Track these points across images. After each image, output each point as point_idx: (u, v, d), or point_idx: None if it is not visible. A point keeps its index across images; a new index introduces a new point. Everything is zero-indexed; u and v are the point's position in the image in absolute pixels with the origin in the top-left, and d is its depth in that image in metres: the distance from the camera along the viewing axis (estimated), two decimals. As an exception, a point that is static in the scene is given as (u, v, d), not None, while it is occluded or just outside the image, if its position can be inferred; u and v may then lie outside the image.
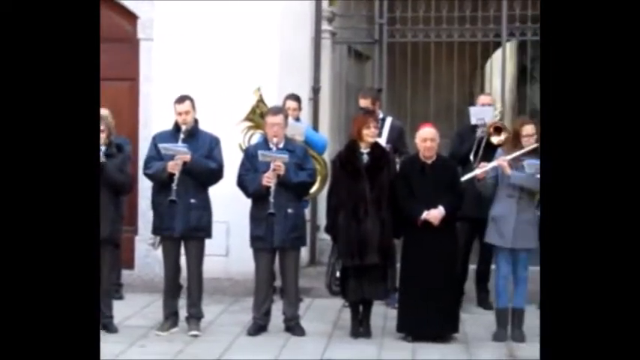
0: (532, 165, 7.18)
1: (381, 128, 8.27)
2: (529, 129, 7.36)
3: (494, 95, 11.43)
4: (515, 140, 7.43)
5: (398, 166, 7.65)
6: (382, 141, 8.14)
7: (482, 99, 8.90)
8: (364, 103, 8.42)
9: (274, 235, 7.41)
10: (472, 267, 8.77)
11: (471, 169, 7.74)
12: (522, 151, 7.31)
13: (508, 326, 7.47)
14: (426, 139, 7.37)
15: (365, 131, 7.35)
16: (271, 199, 7.31)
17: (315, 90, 10.18)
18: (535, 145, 7.28)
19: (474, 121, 8.47)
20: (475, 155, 8.29)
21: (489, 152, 7.89)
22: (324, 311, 8.36)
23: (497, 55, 12.21)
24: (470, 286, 8.72)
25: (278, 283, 7.99)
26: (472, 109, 8.61)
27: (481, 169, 7.42)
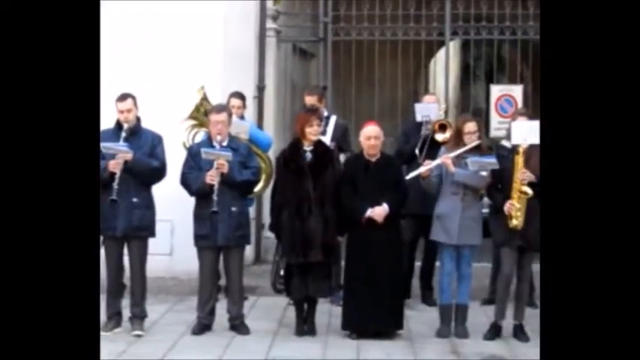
0: (475, 162, 7.22)
1: (325, 126, 8.25)
2: (471, 126, 7.38)
3: (438, 94, 11.48)
4: (457, 138, 7.45)
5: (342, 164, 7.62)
6: (327, 139, 8.12)
7: (426, 99, 8.93)
8: (310, 100, 8.38)
9: (218, 233, 7.35)
10: (417, 264, 8.77)
11: (417, 167, 7.74)
12: (465, 149, 7.33)
13: (451, 322, 7.49)
14: (370, 137, 7.36)
15: (308, 129, 7.32)
16: (215, 198, 7.25)
17: (260, 88, 10.12)
18: (477, 142, 7.33)
19: (419, 118, 8.48)
20: (420, 152, 8.30)
21: (434, 150, 7.90)
22: (268, 310, 8.32)
23: (441, 53, 12.28)
24: (414, 283, 8.72)
25: (223, 281, 7.91)
26: (418, 106, 8.63)
27: (425, 167, 7.42)
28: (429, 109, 8.50)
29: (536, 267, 8.36)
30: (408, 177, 7.61)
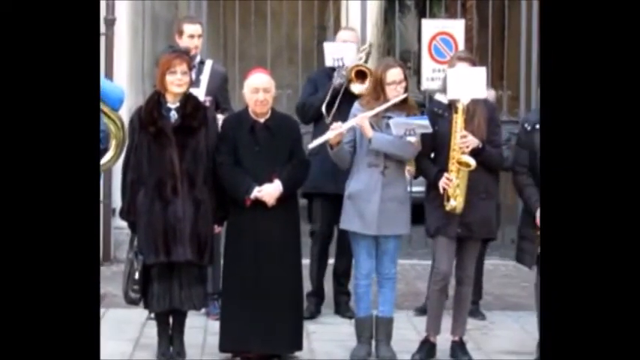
0: (400, 124, 7.21)
1: (198, 75, 8.26)
2: (395, 74, 7.38)
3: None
4: (377, 91, 7.42)
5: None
6: (200, 92, 8.12)
7: (342, 35, 8.90)
8: (193, 30, 8.36)
9: (50, 223, 7.23)
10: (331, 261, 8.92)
11: (325, 129, 7.71)
12: (387, 105, 7.32)
13: (372, 341, 7.51)
14: (258, 88, 7.36)
15: (169, 78, 7.23)
16: (44, 174, 7.12)
17: (109, 22, 10.02)
18: (403, 96, 7.32)
19: (329, 61, 8.49)
20: (329, 108, 8.29)
21: (350, 106, 7.86)
22: (120, 326, 8.28)
23: (356, -25, 12.27)
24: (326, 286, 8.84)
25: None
26: (328, 46, 8.67)
27: (335, 131, 7.37)
28: (342, 50, 8.53)
29: (487, 263, 8.56)
30: (311, 145, 7.55)
